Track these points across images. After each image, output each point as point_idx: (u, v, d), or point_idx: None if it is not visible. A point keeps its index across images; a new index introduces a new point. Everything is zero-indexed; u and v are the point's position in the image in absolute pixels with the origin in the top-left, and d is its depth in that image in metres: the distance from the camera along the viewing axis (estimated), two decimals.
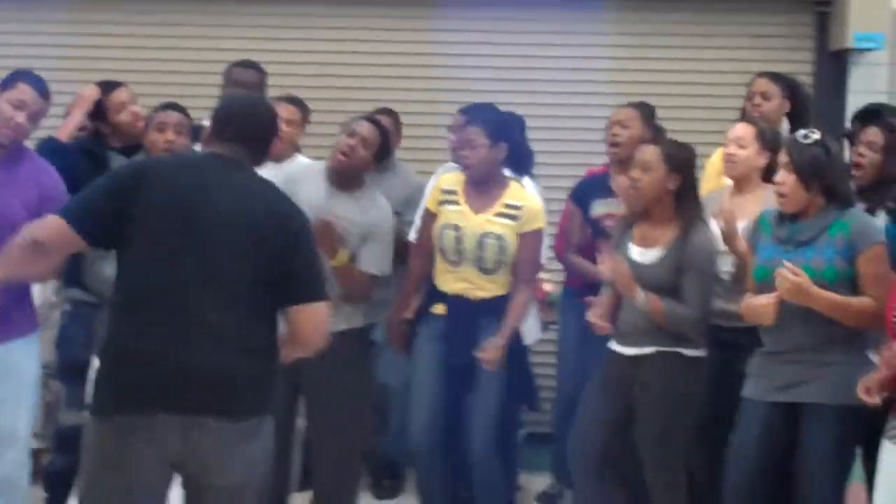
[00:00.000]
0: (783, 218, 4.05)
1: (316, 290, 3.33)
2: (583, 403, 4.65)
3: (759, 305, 3.99)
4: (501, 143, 4.60)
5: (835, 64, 6.53)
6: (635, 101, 5.17)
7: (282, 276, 3.27)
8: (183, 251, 3.18)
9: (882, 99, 6.02)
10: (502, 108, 5.08)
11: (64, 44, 6.28)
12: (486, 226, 4.63)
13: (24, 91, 4.18)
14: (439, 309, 4.71)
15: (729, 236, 4.31)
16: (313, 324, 3.34)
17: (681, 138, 4.87)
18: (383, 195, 4.73)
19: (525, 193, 4.70)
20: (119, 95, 4.77)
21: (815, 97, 6.29)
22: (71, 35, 6.38)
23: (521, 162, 5.02)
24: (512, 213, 4.64)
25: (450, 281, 4.67)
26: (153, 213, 3.21)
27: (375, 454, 5.43)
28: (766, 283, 4.03)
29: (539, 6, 6.45)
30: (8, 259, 3.43)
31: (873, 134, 4.42)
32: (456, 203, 4.66)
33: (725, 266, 4.53)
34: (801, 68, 6.39)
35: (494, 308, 4.66)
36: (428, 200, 4.79)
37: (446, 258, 4.67)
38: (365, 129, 4.52)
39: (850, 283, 3.90)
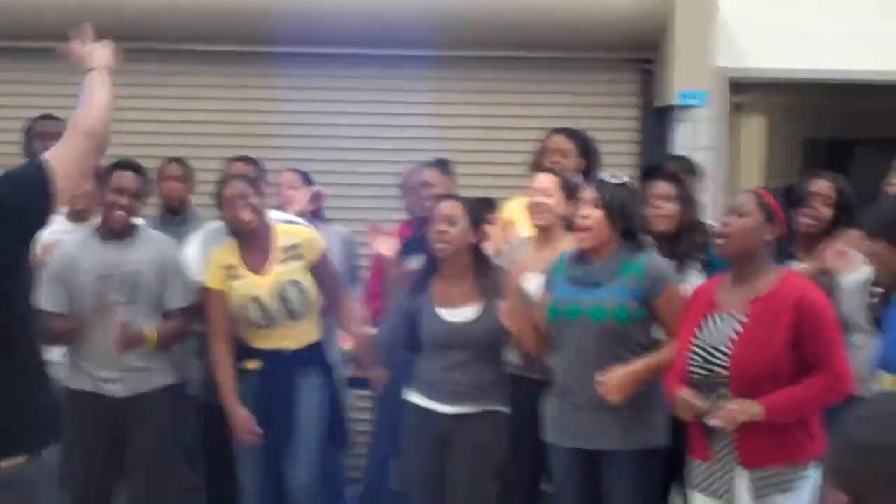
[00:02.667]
0: (578, 260, 4.15)
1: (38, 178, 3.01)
2: (407, 457, 4.68)
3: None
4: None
5: (659, 120, 6.66)
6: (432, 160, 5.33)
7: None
8: None
9: (705, 154, 6.35)
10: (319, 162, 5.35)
11: None
12: (281, 278, 4.62)
13: None
14: (252, 364, 4.69)
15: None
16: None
17: (505, 193, 5.00)
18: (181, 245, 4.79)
19: (290, 228, 4.74)
20: None
21: (641, 152, 6.54)
22: None
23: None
24: (294, 253, 4.65)
25: (264, 339, 4.66)
26: None
27: None
28: (556, 323, 4.12)
29: (360, 64, 6.51)
30: None
31: (665, 187, 4.58)
32: (240, 277, 4.63)
33: None
34: (627, 124, 6.57)
35: (309, 358, 4.71)
36: (209, 280, 4.70)
37: (257, 326, 4.66)
38: (124, 179, 4.54)
39: (641, 323, 4.01)
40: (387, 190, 5.96)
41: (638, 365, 3.98)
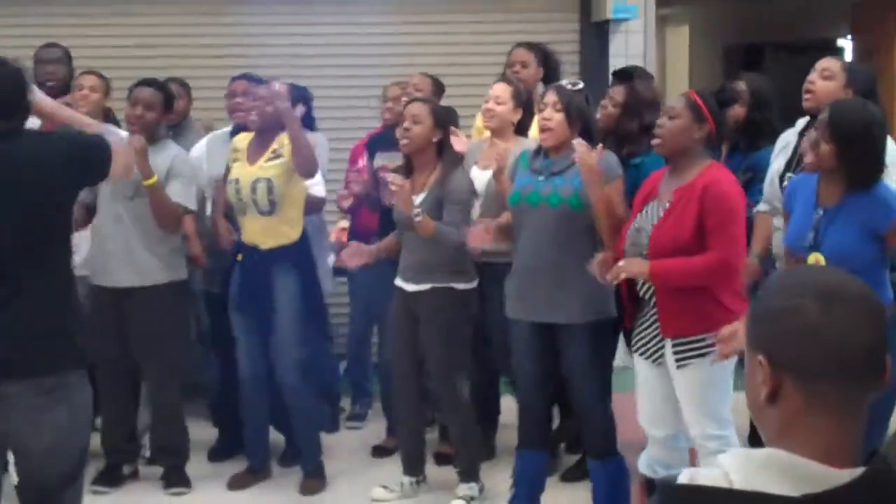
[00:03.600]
0: (538, 154, 4.36)
1: (103, 149, 3.42)
2: (389, 334, 5.10)
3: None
4: (299, 104, 5.08)
5: (597, 33, 6.98)
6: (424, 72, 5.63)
7: (70, 190, 3.38)
8: None
9: (637, 61, 6.56)
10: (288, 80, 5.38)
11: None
12: (257, 172, 4.85)
13: None
14: (239, 257, 5.01)
15: (499, 172, 4.60)
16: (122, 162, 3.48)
17: (457, 102, 5.35)
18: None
19: (283, 135, 4.91)
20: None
21: (581, 62, 6.86)
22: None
23: (310, 124, 5.45)
24: (278, 153, 4.86)
25: (246, 231, 4.95)
26: None
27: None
28: (518, 208, 4.34)
29: None
30: None
31: (617, 92, 4.85)
32: (238, 160, 4.96)
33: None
34: (568, 37, 6.88)
35: (283, 257, 4.92)
36: (228, 157, 5.05)
37: (236, 210, 4.96)
38: (144, 93, 4.91)
39: (591, 209, 4.20)
40: (361, 101, 6.47)
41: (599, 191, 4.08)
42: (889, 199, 3.76)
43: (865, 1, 7.53)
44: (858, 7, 7.87)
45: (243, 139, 5.04)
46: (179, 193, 4.97)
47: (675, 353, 3.95)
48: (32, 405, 3.25)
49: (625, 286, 4.04)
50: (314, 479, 5.19)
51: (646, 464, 4.19)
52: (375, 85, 6.21)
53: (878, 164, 3.77)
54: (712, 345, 3.82)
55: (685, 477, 1.58)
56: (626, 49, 6.93)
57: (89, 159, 3.44)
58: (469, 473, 4.94)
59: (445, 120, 4.74)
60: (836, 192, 3.77)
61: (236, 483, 5.23)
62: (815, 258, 3.76)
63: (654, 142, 3.95)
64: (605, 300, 4.29)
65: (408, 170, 4.77)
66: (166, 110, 5.08)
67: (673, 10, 7.75)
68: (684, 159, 3.95)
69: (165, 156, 4.98)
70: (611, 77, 5.25)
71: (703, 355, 3.90)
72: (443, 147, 4.72)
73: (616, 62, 6.61)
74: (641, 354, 4.09)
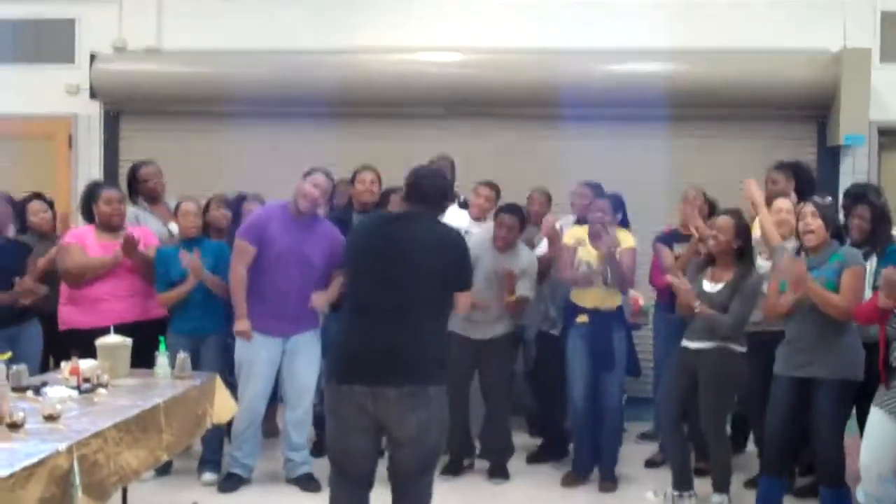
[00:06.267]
0: (802, 252, 4.92)
1: (467, 283, 4.07)
2: (663, 379, 5.62)
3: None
4: (617, 213, 5.99)
5: (831, 155, 7.67)
6: (698, 188, 6.38)
7: (453, 280, 3.96)
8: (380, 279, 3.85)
9: (862, 178, 7.28)
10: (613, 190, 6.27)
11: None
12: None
13: (318, 178, 5.61)
14: (582, 318, 5.82)
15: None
16: (464, 300, 4.05)
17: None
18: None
19: (621, 233, 5.84)
20: (364, 177, 6.27)
21: (818, 178, 7.24)
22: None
23: (625, 222, 6.23)
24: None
25: (587, 298, 5.81)
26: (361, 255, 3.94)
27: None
28: (785, 291, 4.84)
29: (629, 124, 7.80)
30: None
31: (863, 210, 5.29)
32: (583, 245, 5.87)
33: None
34: (809, 158, 7.51)
35: (618, 315, 5.86)
36: (566, 239, 5.92)
37: (583, 282, 5.78)
38: (507, 218, 5.93)
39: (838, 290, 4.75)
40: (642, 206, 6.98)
41: (816, 286, 4.59)
42: None
43: None
44: None
45: (580, 232, 5.90)
46: (527, 289, 5.93)
47: None
48: (403, 405, 3.74)
49: (882, 357, 4.45)
50: (611, 481, 5.91)
51: (863, 497, 4.56)
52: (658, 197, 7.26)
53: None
54: None
55: None
56: (853, 169, 7.56)
57: (465, 271, 4.10)
58: (721, 486, 5.44)
59: (743, 230, 5.25)
60: None
61: (566, 481, 5.95)
62: None
63: None
64: (854, 366, 4.76)
65: (708, 262, 5.39)
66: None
67: (889, 139, 7.94)
68: None
69: (520, 260, 5.98)
70: (843, 197, 5.74)
71: None
72: (742, 252, 5.25)
73: (846, 178, 7.41)
74: (884, 408, 4.43)
